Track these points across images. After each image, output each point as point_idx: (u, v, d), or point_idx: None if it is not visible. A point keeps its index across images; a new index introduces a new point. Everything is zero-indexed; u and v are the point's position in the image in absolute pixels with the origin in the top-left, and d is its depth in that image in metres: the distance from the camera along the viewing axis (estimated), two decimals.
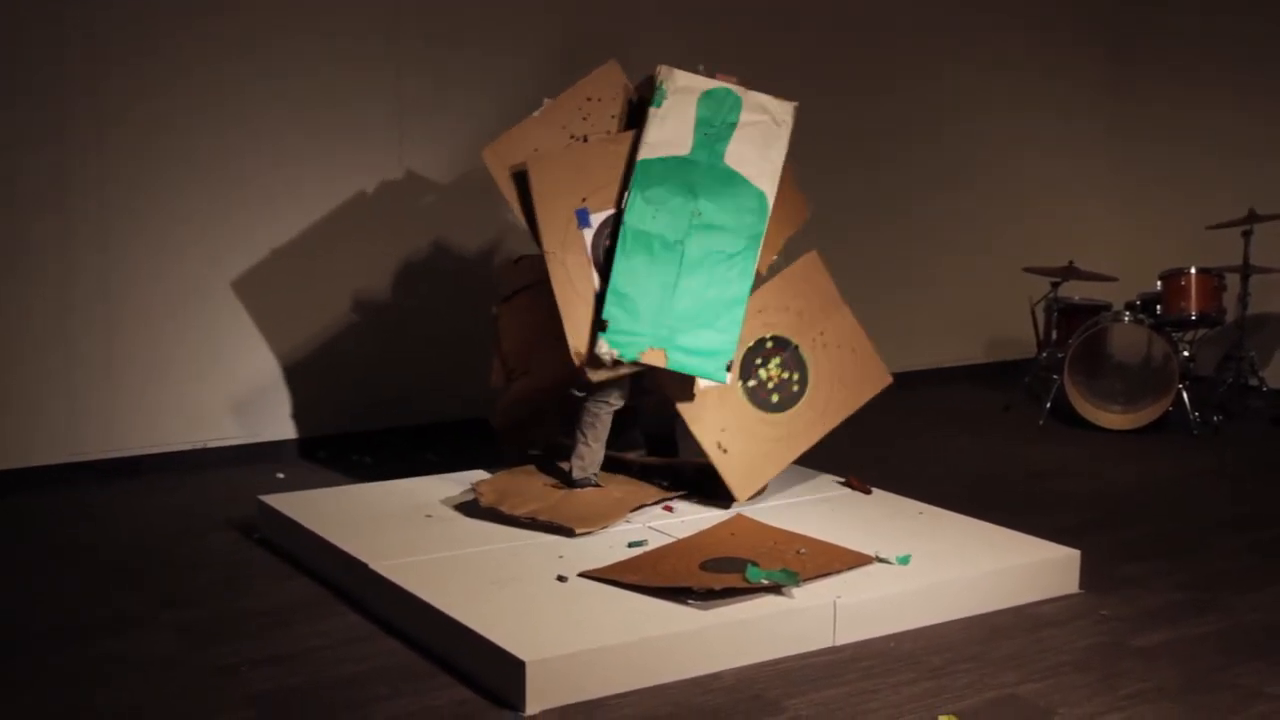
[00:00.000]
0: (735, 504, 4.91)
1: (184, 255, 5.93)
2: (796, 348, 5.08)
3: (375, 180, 6.33)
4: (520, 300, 5.19)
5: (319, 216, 6.22)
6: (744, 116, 4.90)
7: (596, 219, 4.84)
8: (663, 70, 4.84)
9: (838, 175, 7.70)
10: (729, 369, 4.83)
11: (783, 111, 4.96)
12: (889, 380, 5.32)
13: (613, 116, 4.98)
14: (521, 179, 4.87)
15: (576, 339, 4.77)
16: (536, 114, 5.00)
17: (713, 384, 4.88)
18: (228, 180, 5.98)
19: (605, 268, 4.81)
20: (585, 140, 4.94)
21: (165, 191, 5.85)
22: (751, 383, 4.99)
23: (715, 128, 4.86)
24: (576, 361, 4.76)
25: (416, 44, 6.34)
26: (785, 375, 5.05)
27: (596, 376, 4.80)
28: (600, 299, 4.77)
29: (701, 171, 4.84)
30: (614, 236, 4.82)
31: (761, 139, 4.93)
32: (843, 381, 5.17)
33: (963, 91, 8.16)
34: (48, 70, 5.56)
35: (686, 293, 4.80)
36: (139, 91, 5.75)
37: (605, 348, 4.70)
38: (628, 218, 4.75)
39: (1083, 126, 8.70)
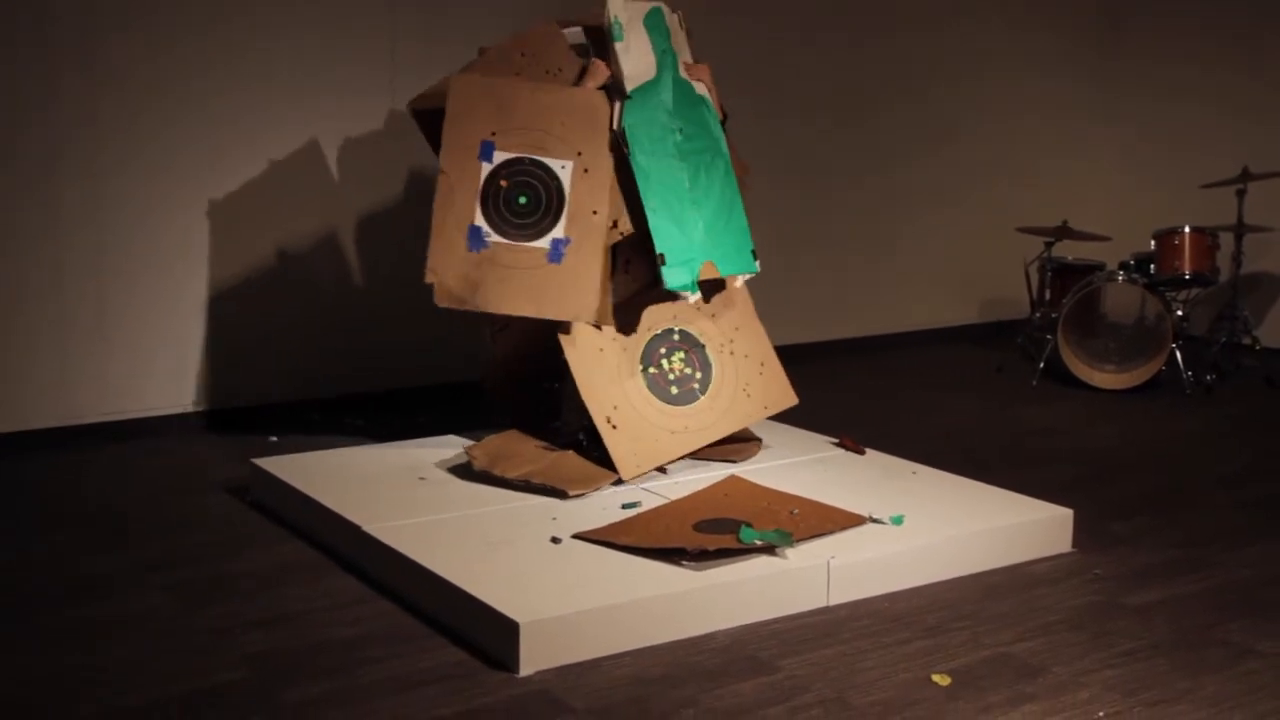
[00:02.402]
0: (625, 481, 4.74)
1: (175, 220, 5.89)
2: (704, 348, 5.10)
3: (368, 142, 6.29)
4: None
5: (311, 179, 6.18)
6: (671, 28, 5.04)
7: (499, 157, 4.84)
8: (612, 4, 4.86)
9: (828, 132, 7.67)
10: (755, 256, 5.03)
11: (680, 19, 5.12)
12: (794, 401, 5.28)
13: (546, 71, 4.97)
14: (430, 115, 4.94)
15: (436, 259, 4.78)
16: (465, 67, 5.04)
17: (738, 282, 5.10)
18: (218, 145, 5.94)
19: (492, 208, 4.82)
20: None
21: (156, 157, 5.81)
22: (652, 370, 4.98)
23: (664, 45, 4.97)
24: (428, 278, 4.77)
25: (411, 3, 6.30)
26: (688, 371, 5.05)
27: (442, 303, 4.79)
28: (477, 234, 4.80)
29: (667, 90, 4.95)
30: (512, 178, 4.82)
31: (682, 46, 5.08)
32: (748, 392, 5.14)
33: (955, 47, 8.12)
34: (36, 39, 5.51)
35: (700, 201, 4.93)
36: (129, 59, 5.69)
37: (693, 297, 4.88)
38: (636, 155, 4.80)
39: (1076, 84, 8.67)
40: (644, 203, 4.78)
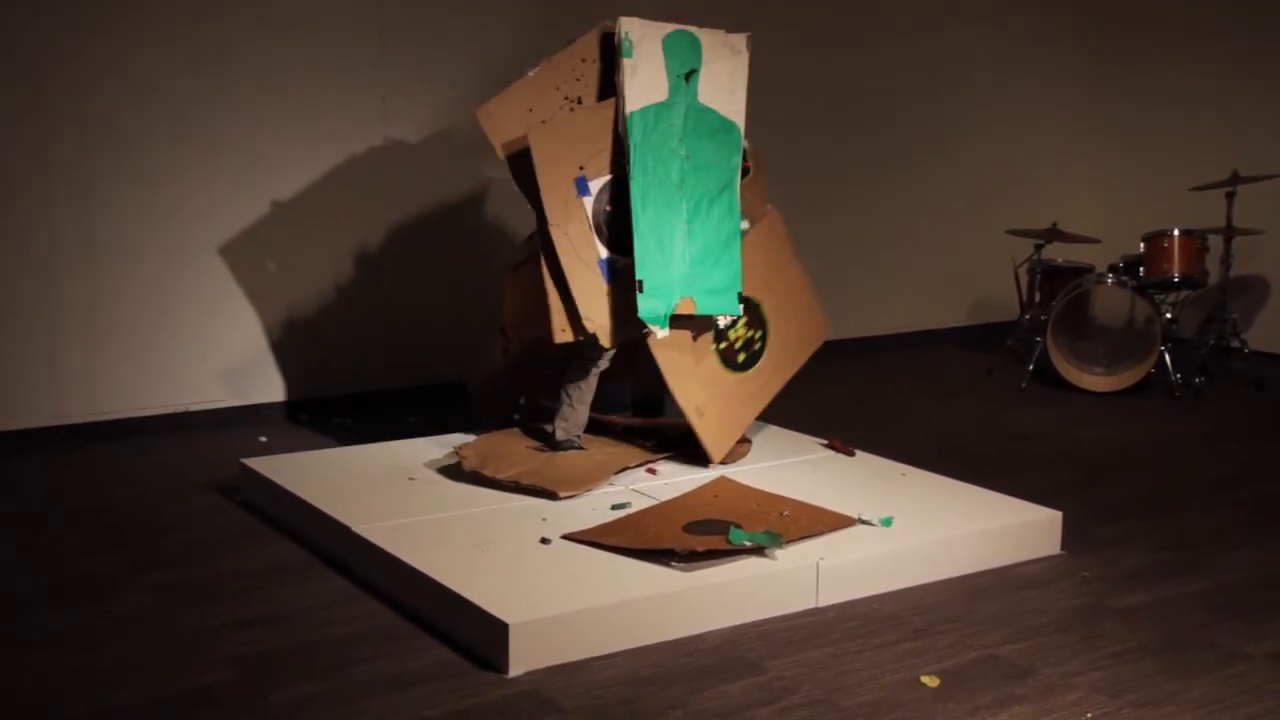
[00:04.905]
0: (712, 465, 4.94)
1: (166, 220, 5.89)
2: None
3: (359, 144, 6.28)
4: (522, 273, 5.15)
5: (302, 180, 6.18)
6: (707, 54, 4.96)
7: (595, 185, 4.85)
8: (624, 21, 4.85)
9: (818, 135, 7.68)
10: (741, 300, 4.94)
11: (739, 42, 5.04)
12: (828, 330, 5.40)
13: (605, 76, 4.96)
14: (517, 154, 4.85)
15: (586, 307, 4.76)
16: (531, 74, 4.96)
17: (722, 322, 4.97)
18: (210, 145, 5.94)
19: (605, 233, 4.82)
20: (579, 101, 4.92)
21: (147, 157, 5.80)
22: (723, 345, 5.04)
23: (683, 69, 4.91)
24: (589, 328, 4.75)
25: (400, 5, 6.29)
26: (750, 334, 5.11)
27: (612, 343, 4.82)
28: (609, 266, 4.80)
29: (681, 113, 4.90)
30: (614, 201, 4.84)
31: (727, 73, 5.00)
32: (792, 335, 5.24)
33: (945, 51, 8.13)
34: (28, 37, 5.51)
35: (696, 234, 4.86)
36: (120, 56, 5.69)
37: (661, 332, 4.78)
38: (636, 174, 4.76)
39: (1066, 87, 8.69)
40: (634, 225, 4.73)
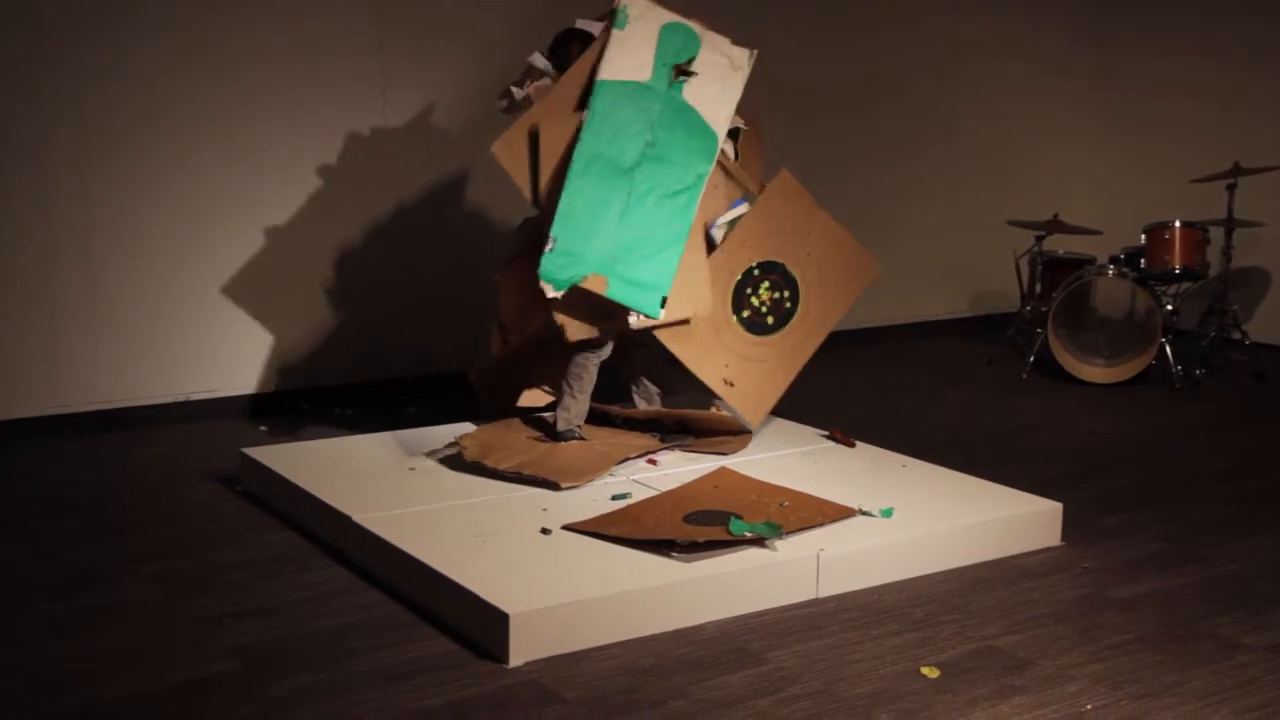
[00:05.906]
0: (754, 430, 5.11)
1: (166, 210, 5.88)
2: (784, 266, 5.14)
3: (359, 133, 6.28)
4: (519, 266, 5.13)
5: (302, 170, 6.17)
6: (702, 55, 4.89)
7: None
8: None
9: (819, 126, 7.67)
10: (663, 304, 4.79)
11: (740, 57, 4.97)
12: (876, 268, 5.40)
13: None
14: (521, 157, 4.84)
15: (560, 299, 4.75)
16: (538, 104, 4.89)
17: (640, 316, 4.80)
18: (210, 135, 5.93)
19: None
20: None
21: (146, 149, 5.80)
22: (746, 313, 5.06)
23: (674, 59, 4.85)
24: (558, 320, 4.74)
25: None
26: (777, 295, 5.13)
27: (575, 338, 4.79)
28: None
29: (659, 100, 4.82)
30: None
31: (718, 81, 4.92)
32: (832, 284, 5.25)
33: (947, 42, 8.12)
34: (26, 28, 5.50)
35: (632, 222, 4.77)
36: (120, 47, 5.68)
37: (552, 292, 4.68)
38: (585, 138, 4.70)
39: (1068, 79, 8.67)
40: (566, 185, 4.66)
